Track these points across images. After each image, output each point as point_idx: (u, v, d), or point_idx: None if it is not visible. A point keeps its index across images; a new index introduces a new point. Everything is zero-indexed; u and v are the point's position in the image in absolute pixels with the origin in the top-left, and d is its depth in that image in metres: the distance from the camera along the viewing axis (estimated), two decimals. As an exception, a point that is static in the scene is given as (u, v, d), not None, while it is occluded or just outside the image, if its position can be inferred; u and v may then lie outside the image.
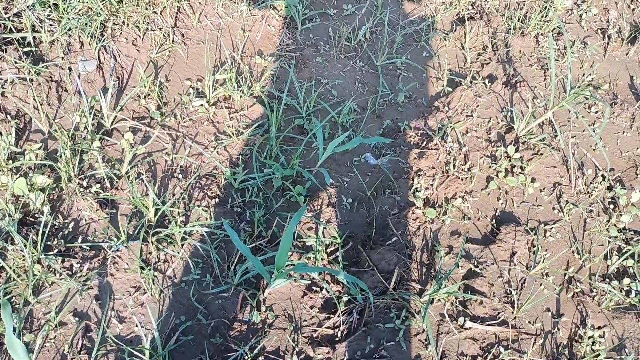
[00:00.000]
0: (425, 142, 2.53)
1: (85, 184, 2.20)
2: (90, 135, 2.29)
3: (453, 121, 2.57)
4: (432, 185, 2.37)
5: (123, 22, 2.63)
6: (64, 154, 2.20)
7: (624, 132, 2.67)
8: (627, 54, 2.99)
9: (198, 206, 2.19)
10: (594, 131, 2.61)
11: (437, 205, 2.34)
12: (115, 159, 2.28)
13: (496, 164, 2.45)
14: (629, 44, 3.02)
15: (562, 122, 2.65)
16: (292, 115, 2.57)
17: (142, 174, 2.25)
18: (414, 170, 2.43)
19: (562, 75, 2.82)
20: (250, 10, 2.89)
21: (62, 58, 2.48)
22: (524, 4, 3.12)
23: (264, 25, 2.88)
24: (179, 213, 2.16)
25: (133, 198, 2.11)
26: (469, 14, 3.08)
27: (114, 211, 2.16)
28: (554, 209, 2.39)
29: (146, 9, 2.69)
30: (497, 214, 2.37)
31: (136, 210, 2.16)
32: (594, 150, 2.57)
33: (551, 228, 2.31)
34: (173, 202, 2.18)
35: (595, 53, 2.98)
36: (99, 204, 2.16)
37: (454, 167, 2.42)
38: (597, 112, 2.71)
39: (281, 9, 2.95)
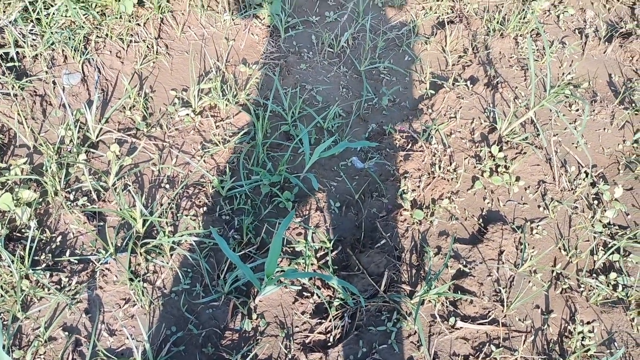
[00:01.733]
0: (410, 145, 2.55)
1: (72, 197, 2.19)
2: (76, 148, 2.28)
3: (437, 123, 2.60)
4: (418, 186, 2.39)
5: (106, 35, 2.63)
6: (50, 167, 2.19)
7: (604, 128, 2.71)
8: (604, 53, 3.05)
9: (186, 215, 2.19)
10: (575, 129, 2.65)
11: (424, 206, 2.36)
12: (102, 171, 2.27)
13: (481, 164, 2.48)
14: (606, 43, 3.08)
15: (543, 121, 2.69)
16: (278, 122, 2.58)
17: (129, 185, 2.25)
18: (400, 173, 2.45)
19: (542, 75, 2.87)
20: (233, 20, 2.90)
21: (46, 72, 2.48)
22: (502, 7, 3.17)
23: (248, 34, 2.90)
24: (167, 223, 2.15)
25: (120, 210, 2.11)
26: (448, 17, 3.12)
27: (101, 223, 2.15)
28: (539, 206, 2.42)
29: (129, 22, 2.69)
30: (483, 213, 2.39)
31: (124, 222, 2.16)
32: (576, 147, 2.62)
33: (537, 225, 2.34)
34: (161, 212, 2.18)
35: (573, 52, 3.03)
36: (87, 216, 2.15)
37: (440, 168, 2.44)
38: (577, 110, 2.76)
39: (264, 18, 2.97)
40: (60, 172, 2.21)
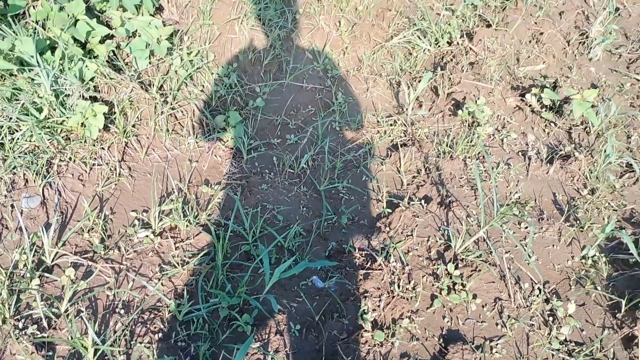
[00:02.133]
0: (369, 263, 2.60)
1: (21, 325, 2.10)
2: (29, 273, 2.23)
3: (395, 241, 2.67)
4: (379, 306, 2.40)
5: (70, 159, 2.69)
6: (0, 294, 2.12)
7: (553, 245, 2.84)
8: (547, 173, 3.27)
9: (140, 343, 2.11)
10: (525, 246, 2.77)
11: (385, 326, 2.35)
12: (55, 296, 2.21)
13: (438, 282, 2.53)
14: (548, 164, 3.31)
15: (495, 238, 2.81)
16: (239, 242, 2.60)
17: (82, 312, 2.18)
18: (360, 292, 2.46)
19: (491, 194, 3.03)
20: (197, 143, 3.02)
21: (5, 196, 2.48)
22: (450, 131, 3.42)
23: (211, 156, 3.00)
24: (119, 352, 2.07)
25: (71, 338, 2.03)
26: (402, 141, 3.34)
27: (50, 353, 2.05)
28: (497, 324, 2.45)
29: (94, 146, 2.77)
30: (443, 332, 2.40)
31: (74, 351, 2.06)
32: (528, 264, 2.71)
33: (496, 344, 2.35)
34: (114, 339, 2.10)
35: (518, 173, 3.24)
36: (35, 346, 2.05)
37: (399, 287, 2.47)
38: (526, 227, 2.90)
39: (227, 141, 3.10)
40: (11, 298, 2.14)
